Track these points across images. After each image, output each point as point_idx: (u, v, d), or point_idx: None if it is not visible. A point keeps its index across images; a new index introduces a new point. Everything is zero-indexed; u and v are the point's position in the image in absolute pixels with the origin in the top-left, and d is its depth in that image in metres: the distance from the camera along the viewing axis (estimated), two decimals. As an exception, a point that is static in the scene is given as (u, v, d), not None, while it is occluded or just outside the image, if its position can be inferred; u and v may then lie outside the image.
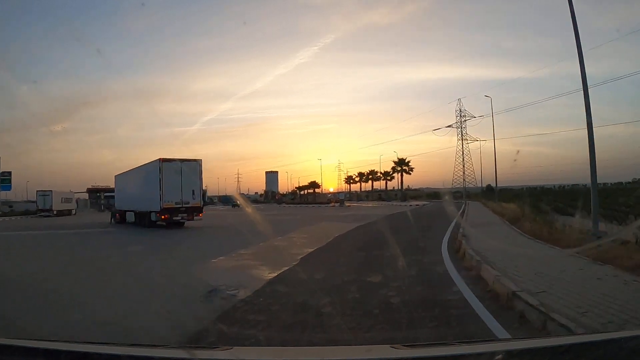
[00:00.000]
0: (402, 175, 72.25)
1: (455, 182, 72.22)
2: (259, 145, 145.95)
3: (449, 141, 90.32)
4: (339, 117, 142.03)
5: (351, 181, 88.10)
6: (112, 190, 32.40)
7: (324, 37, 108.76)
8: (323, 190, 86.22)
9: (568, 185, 63.33)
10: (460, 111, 70.12)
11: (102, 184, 60.65)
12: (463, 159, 71.51)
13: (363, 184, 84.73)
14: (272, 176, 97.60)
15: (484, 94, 78.31)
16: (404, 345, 1.62)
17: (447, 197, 42.68)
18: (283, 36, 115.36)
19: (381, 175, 78.34)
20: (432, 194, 75.13)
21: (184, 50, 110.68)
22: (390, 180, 76.80)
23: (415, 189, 79.55)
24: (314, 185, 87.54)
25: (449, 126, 68.26)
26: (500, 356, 1.29)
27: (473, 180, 69.76)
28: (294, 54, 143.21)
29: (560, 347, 1.45)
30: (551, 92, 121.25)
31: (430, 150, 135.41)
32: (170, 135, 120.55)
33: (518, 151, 70.28)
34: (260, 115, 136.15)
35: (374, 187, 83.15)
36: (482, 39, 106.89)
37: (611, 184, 66.43)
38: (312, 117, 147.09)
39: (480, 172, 72.18)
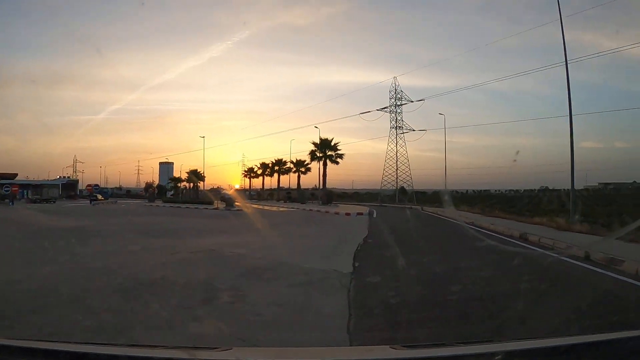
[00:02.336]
0: (325, 165, 43.84)
1: (385, 182, 56.39)
2: (166, 138, 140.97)
3: (378, 139, 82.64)
4: (250, 114, 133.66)
5: (252, 174, 65.67)
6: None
7: (238, 32, 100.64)
8: (206, 185, 58.33)
9: (483, 190, 62.65)
10: (396, 92, 54.21)
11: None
12: (397, 151, 55.54)
13: (267, 178, 62.18)
14: (166, 168, 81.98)
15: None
16: (403, 346, 1.62)
17: (446, 198, 33.04)
18: (196, 28, 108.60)
19: (292, 166, 54.82)
20: (368, 196, 60.15)
21: (91, 35, 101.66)
22: (304, 173, 53.08)
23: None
24: (196, 176, 56.25)
25: (382, 109, 53.75)
26: (499, 357, 1.29)
27: (408, 180, 55.52)
28: (206, 47, 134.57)
29: (560, 347, 1.45)
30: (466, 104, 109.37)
31: (349, 143, 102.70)
32: (75, 123, 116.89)
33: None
34: (168, 107, 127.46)
35: (280, 184, 59.58)
36: (399, 46, 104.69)
37: (523, 190, 68.13)
38: (222, 113, 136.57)
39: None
